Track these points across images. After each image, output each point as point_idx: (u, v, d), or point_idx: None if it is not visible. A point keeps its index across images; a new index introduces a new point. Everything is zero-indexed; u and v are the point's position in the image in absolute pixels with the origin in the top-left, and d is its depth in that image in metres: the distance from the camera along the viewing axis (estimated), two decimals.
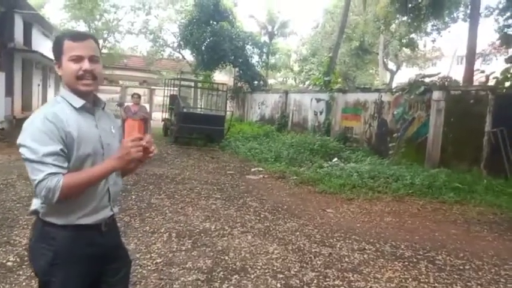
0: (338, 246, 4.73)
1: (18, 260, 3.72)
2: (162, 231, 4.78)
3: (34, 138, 1.59)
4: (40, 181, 1.55)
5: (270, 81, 32.76)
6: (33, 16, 16.05)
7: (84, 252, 1.74)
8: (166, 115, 15.50)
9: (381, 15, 20.37)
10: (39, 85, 18.83)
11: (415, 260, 4.47)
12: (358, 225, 5.67)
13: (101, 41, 29.08)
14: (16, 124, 14.53)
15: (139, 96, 9.55)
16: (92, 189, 1.70)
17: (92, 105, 1.79)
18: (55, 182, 1.55)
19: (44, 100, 19.88)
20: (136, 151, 1.62)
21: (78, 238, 1.72)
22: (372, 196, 7.23)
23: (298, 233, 5.06)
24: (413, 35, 23.14)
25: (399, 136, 10.57)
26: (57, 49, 1.72)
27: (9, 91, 13.75)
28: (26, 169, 1.61)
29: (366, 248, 4.75)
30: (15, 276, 3.44)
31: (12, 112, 14.34)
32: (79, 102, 1.73)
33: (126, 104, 10.55)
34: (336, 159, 10.01)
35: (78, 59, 1.68)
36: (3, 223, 4.71)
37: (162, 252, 4.14)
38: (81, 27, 28.38)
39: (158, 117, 17.58)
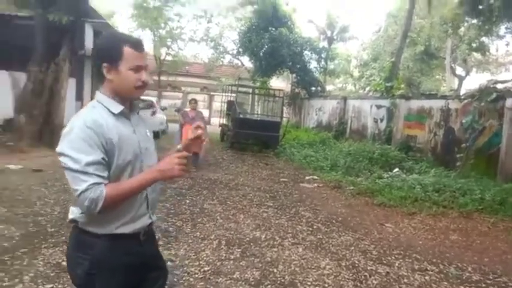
0: (396, 265, 4.39)
1: None
2: (212, 238, 4.73)
3: (74, 146, 1.55)
4: (83, 191, 1.52)
5: (329, 87, 32.22)
6: (103, 25, 17.00)
7: (121, 262, 1.69)
8: (223, 120, 15.70)
9: (448, 18, 19.21)
10: None
11: (483, 285, 4.03)
12: (419, 242, 5.26)
13: (164, 49, 30.42)
14: None
15: (196, 102, 9.70)
16: (131, 197, 1.65)
17: (128, 110, 1.76)
18: (98, 193, 1.52)
19: None
20: (180, 169, 1.61)
21: (115, 247, 1.67)
22: (436, 211, 6.71)
23: (353, 248, 4.78)
24: (484, 39, 21.62)
25: (468, 146, 9.78)
26: (115, 53, 1.67)
27: (79, 96, 14.65)
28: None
29: (428, 268, 4.37)
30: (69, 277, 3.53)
31: None
32: (118, 107, 1.69)
33: (183, 109, 10.78)
34: (397, 169, 9.47)
35: (138, 69, 1.68)
36: (63, 223, 4.92)
37: (211, 260, 4.07)
38: (147, 35, 29.85)
39: (217, 122, 17.87)
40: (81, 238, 1.68)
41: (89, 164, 1.53)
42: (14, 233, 4.42)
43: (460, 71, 29.63)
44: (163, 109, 17.66)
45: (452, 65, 27.78)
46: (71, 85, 12.10)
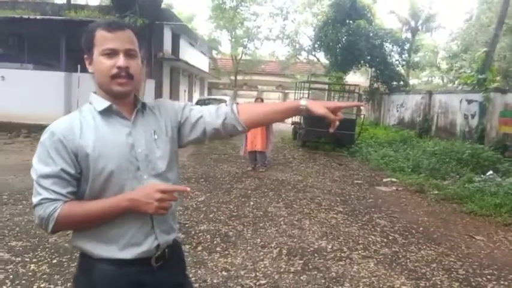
0: None
1: None
2: (272, 245, 4.37)
3: (38, 154, 1.34)
4: (35, 206, 1.30)
5: (413, 81, 30.18)
6: (181, 27, 17.59)
7: None
8: (295, 118, 15.28)
9: None
10: (185, 91, 20.63)
11: None
12: None
13: (241, 48, 30.79)
14: None
15: (262, 100, 9.43)
16: (105, 221, 1.35)
17: (131, 107, 1.44)
18: (49, 211, 1.28)
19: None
20: (159, 207, 1.30)
21: (116, 275, 1.37)
22: None
23: (435, 265, 4.11)
24: None
25: None
26: (88, 40, 1.38)
27: (158, 96, 15.23)
28: None
29: None
30: None
31: None
32: (102, 104, 1.38)
33: None
34: (490, 172, 8.30)
35: (112, 53, 1.34)
36: None
37: (268, 272, 3.72)
38: (224, 35, 30.47)
39: (289, 121, 17.50)
40: (81, 259, 1.44)
41: (44, 177, 1.29)
42: None
43: None
44: None
45: None
46: (149, 87, 12.58)
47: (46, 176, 1.29)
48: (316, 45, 22.53)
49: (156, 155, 1.43)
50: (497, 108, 11.25)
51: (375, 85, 20.36)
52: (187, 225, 4.92)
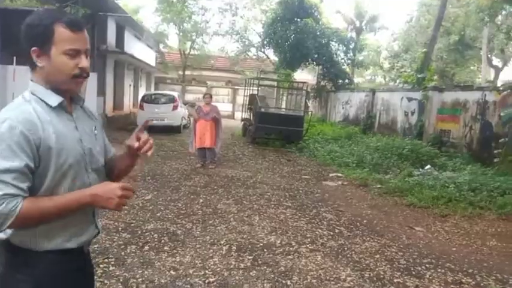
0: (427, 276, 3.88)
1: None
2: (222, 242, 4.34)
3: None
4: None
5: (357, 79, 31.27)
6: (126, 19, 16.93)
7: (69, 280, 1.43)
8: (245, 115, 15.33)
9: (485, 6, 18.13)
10: (130, 85, 19.93)
11: None
12: (453, 249, 4.70)
13: (189, 43, 30.29)
14: (107, 122, 15.44)
15: (210, 97, 9.32)
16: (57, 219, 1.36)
17: (69, 102, 1.43)
18: (11, 207, 1.21)
19: (136, 100, 21.04)
20: (119, 204, 1.37)
21: (60, 266, 1.39)
22: (472, 213, 6.11)
23: (378, 256, 4.28)
24: None
25: (507, 141, 9.00)
26: (44, 34, 1.32)
27: (101, 91, 14.60)
28: None
29: (463, 281, 3.84)
30: None
31: (104, 111, 15.24)
32: (56, 99, 1.36)
33: (197, 104, 10.43)
34: (428, 166, 8.81)
35: (75, 54, 1.34)
36: None
37: (218, 269, 3.69)
38: (172, 29, 29.79)
39: (240, 117, 17.53)
40: (19, 257, 1.37)
41: (4, 171, 1.22)
42: None
43: (496, 61, 28.11)
44: (186, 104, 17.44)
45: (489, 55, 26.32)
46: (92, 80, 12.01)
47: (7, 171, 1.22)
48: (265, 42, 22.68)
49: (96, 150, 1.48)
50: (435, 105, 11.95)
51: (322, 83, 20.87)
52: (132, 224, 4.76)
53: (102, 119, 14.97)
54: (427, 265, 4.16)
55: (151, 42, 24.38)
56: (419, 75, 15.43)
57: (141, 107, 15.13)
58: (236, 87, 29.34)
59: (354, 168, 9.10)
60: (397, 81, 31.92)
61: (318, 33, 19.85)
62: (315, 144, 12.22)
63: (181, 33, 29.07)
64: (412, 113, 13.36)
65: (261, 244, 4.36)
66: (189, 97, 26.64)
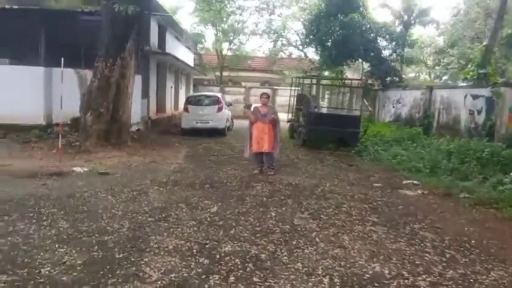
0: None
1: None
2: (319, 272, 3.59)
3: None
4: None
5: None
6: (167, 19, 16.54)
7: None
8: (292, 116, 14.55)
9: None
10: (171, 87, 19.57)
11: None
12: None
13: (226, 44, 29.85)
14: (152, 125, 15.05)
15: (268, 96, 8.56)
16: None
17: None
18: None
19: (176, 102, 20.68)
20: None
21: None
22: None
23: None
24: None
25: None
26: None
27: (145, 93, 14.23)
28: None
29: None
30: None
31: (148, 113, 14.86)
32: None
33: (254, 105, 9.73)
34: None
35: None
36: (134, 244, 4.04)
37: None
38: (209, 30, 29.42)
39: (282, 118, 16.76)
40: None
41: None
42: (75, 260, 3.60)
43: None
44: (229, 105, 16.85)
45: None
46: (136, 82, 11.60)
47: None
48: (307, 40, 21.82)
49: None
50: (508, 103, 10.76)
51: (369, 81, 19.79)
52: (208, 246, 4.09)
53: (146, 122, 14.59)
54: None
55: (189, 44, 24.03)
56: (480, 71, 14.18)
57: (186, 110, 14.64)
58: (275, 87, 28.58)
59: (429, 175, 8.15)
60: (444, 78, 30.30)
61: (365, 28, 18.83)
62: (375, 146, 11.29)
63: (219, 34, 28.64)
64: (479, 112, 12.16)
65: (367, 276, 3.57)
66: (227, 98, 26.17)
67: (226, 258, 3.80)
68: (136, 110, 12.38)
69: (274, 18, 29.06)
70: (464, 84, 15.67)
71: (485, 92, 11.90)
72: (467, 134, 12.26)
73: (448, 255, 4.15)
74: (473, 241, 4.64)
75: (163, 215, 5.06)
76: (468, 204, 6.25)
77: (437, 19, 25.87)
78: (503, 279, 3.66)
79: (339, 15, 18.78)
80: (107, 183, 6.63)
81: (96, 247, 3.93)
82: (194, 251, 3.95)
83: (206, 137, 13.71)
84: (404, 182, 7.80)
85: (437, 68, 32.06)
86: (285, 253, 3.99)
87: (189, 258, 3.76)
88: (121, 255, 3.76)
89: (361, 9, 19.40)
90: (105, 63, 9.62)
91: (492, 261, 4.04)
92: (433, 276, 3.63)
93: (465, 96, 12.90)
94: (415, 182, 7.70)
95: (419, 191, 7.08)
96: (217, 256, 3.85)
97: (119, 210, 5.19)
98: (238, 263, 3.71)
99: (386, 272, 3.66)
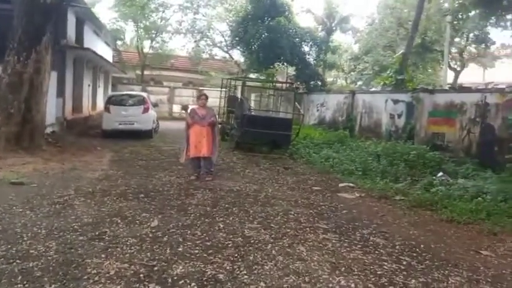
0: None
1: None
2: None
3: None
4: None
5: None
6: (86, 12, 15.23)
7: None
8: (223, 118, 14.22)
9: (452, 9, 18.36)
10: (89, 85, 18.08)
11: None
12: None
13: (148, 41, 28.57)
14: (67, 126, 13.70)
15: (206, 98, 8.17)
16: None
17: None
18: None
19: (94, 101, 19.19)
20: None
21: None
22: None
23: None
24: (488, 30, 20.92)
25: None
26: None
27: (60, 91, 12.90)
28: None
29: None
30: None
31: (64, 114, 13.50)
32: None
33: (190, 107, 9.24)
34: (441, 173, 8.24)
35: None
36: (67, 271, 3.40)
37: None
38: (130, 26, 27.91)
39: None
40: None
41: None
42: None
43: (452, 64, 28.96)
44: (155, 105, 15.99)
45: (449, 58, 27.01)
46: (52, 79, 10.38)
47: None
48: (233, 42, 21.66)
49: None
50: (427, 108, 11.55)
51: (295, 84, 20.19)
52: (156, 268, 3.59)
53: (61, 123, 13.24)
54: None
55: (108, 39, 22.50)
56: (399, 77, 15.17)
57: (107, 110, 13.51)
58: (200, 88, 27.99)
59: (362, 177, 8.36)
60: (358, 83, 32.13)
61: (291, 32, 19.18)
62: (306, 149, 11.41)
63: (140, 31, 27.28)
64: (399, 116, 12.94)
65: None
66: (151, 98, 24.97)
67: (181, 282, 3.35)
68: (51, 109, 11.13)
69: (198, 18, 28.52)
70: (379, 89, 16.63)
71: (405, 97, 12.69)
72: (388, 136, 12.98)
73: (404, 263, 4.12)
74: (422, 245, 4.71)
75: (97, 233, 4.42)
76: (405, 207, 6.45)
77: (357, 26, 27.19)
78: (461, 285, 3.70)
79: (266, 19, 18.91)
80: (22, 195, 5.72)
81: (20, 277, 3.23)
82: (141, 275, 3.43)
83: (131, 139, 12.78)
84: (340, 184, 7.89)
85: (352, 73, 33.98)
86: (244, 271, 3.65)
87: (137, 286, 3.25)
88: (52, 287, 3.12)
89: (287, 13, 19.76)
90: (17, 57, 8.41)
91: (446, 267, 4.09)
92: (398, 287, 3.54)
93: (386, 101, 13.65)
94: (351, 184, 7.83)
95: (356, 194, 7.19)
96: (170, 280, 3.38)
97: (41, 228, 4.43)
98: (196, 287, 3.29)
99: (353, 286, 3.49)
